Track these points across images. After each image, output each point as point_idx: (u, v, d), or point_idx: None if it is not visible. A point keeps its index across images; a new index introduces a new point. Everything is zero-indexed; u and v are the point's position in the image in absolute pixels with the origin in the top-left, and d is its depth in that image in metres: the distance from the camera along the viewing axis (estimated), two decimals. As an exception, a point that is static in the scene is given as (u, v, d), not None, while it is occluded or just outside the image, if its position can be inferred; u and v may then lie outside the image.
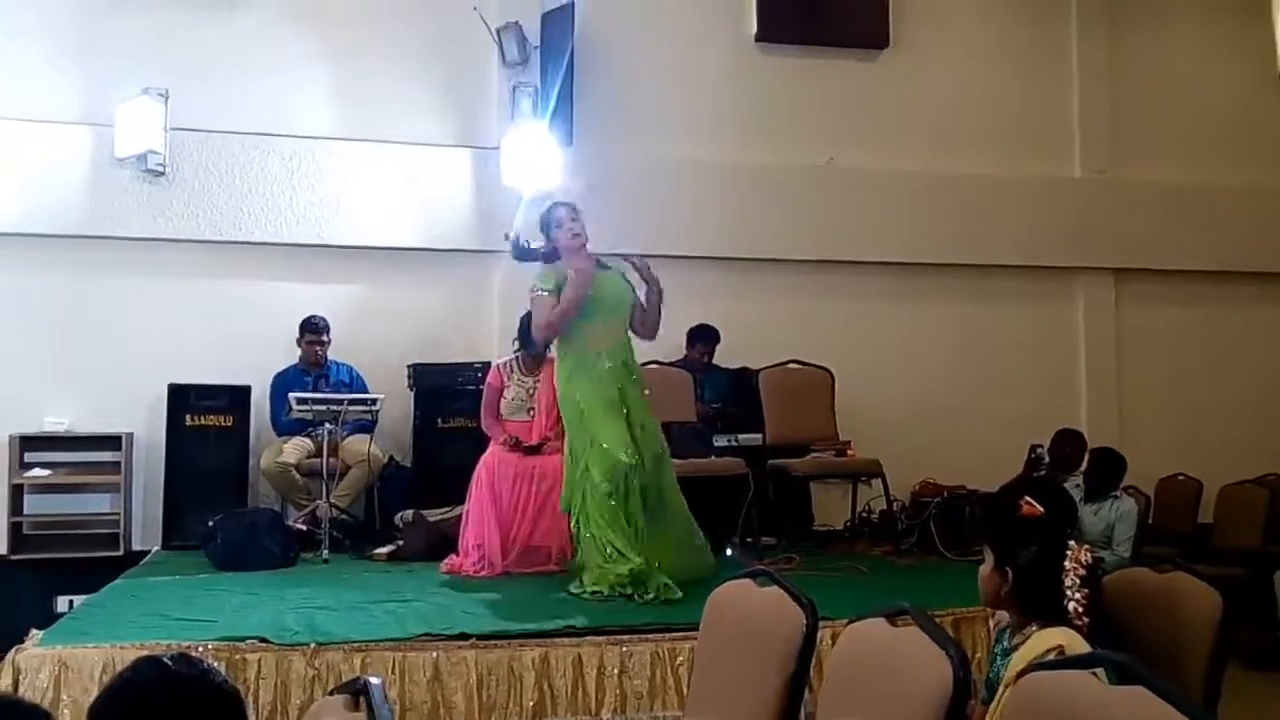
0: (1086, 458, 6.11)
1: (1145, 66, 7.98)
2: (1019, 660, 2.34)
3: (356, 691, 1.64)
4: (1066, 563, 2.40)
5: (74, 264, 6.45)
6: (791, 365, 6.61)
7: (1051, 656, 2.22)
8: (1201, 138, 7.97)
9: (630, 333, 4.90)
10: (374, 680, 1.58)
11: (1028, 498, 2.47)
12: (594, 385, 4.68)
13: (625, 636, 3.86)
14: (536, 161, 6.63)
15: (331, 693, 1.81)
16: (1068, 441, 6.24)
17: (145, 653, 1.65)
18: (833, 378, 6.59)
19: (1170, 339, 7.88)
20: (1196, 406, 7.73)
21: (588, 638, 3.84)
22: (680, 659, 3.76)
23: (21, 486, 6.22)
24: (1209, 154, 7.97)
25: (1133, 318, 7.90)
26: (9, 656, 3.54)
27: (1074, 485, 5.92)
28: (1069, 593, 2.38)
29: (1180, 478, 7.29)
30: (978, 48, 7.79)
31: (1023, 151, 7.79)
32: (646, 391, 4.87)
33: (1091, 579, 2.42)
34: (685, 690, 3.62)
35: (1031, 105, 7.83)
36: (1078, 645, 2.29)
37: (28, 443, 6.24)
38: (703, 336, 6.78)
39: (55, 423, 6.31)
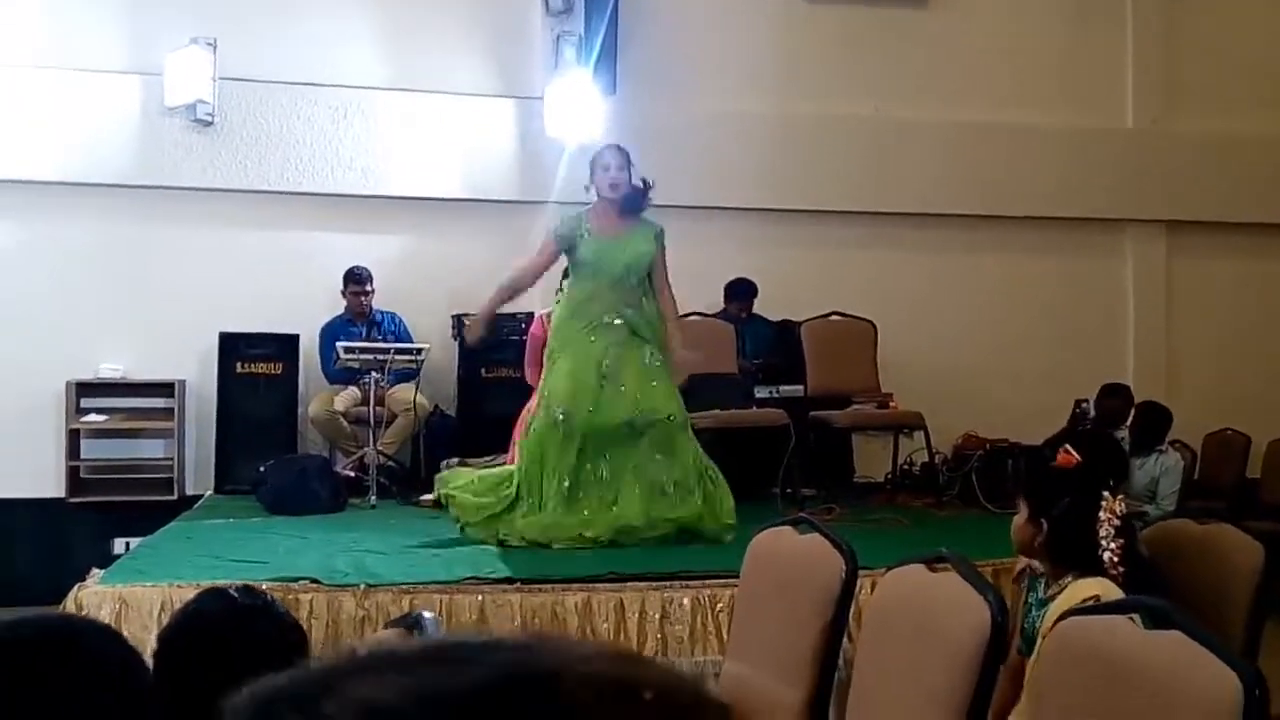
0: (1133, 413, 6.06)
1: (1201, 12, 7.78)
2: (1056, 610, 2.35)
3: (410, 625, 1.69)
4: (1101, 513, 2.41)
5: (125, 213, 6.55)
6: (834, 317, 6.59)
7: (1089, 606, 2.23)
8: (1258, 87, 7.77)
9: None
10: (427, 614, 1.63)
11: (1066, 446, 2.47)
12: (578, 335, 4.63)
13: (667, 582, 3.91)
14: (580, 111, 6.63)
15: (386, 626, 1.87)
16: (1113, 395, 6.19)
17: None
18: (875, 330, 6.58)
19: (1221, 293, 7.76)
20: (1246, 361, 7.63)
21: (630, 583, 3.90)
22: (720, 605, 3.80)
23: (78, 431, 6.39)
24: (1266, 104, 7.78)
25: (1183, 271, 7.77)
26: (72, 593, 3.66)
27: (1120, 439, 5.88)
28: (1104, 543, 2.39)
29: (1228, 432, 7.22)
30: (1029, -6, 7.63)
31: (1073, 101, 7.65)
32: (659, 360, 4.70)
33: (1126, 529, 2.43)
34: (726, 636, 3.68)
35: (1082, 53, 7.67)
36: (1114, 595, 2.30)
37: (84, 389, 6.39)
38: (738, 293, 6.75)
39: (110, 369, 6.45)
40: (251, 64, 6.53)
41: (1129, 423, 6.02)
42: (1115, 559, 2.38)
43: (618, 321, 4.64)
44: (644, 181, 4.71)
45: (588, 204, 4.80)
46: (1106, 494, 2.43)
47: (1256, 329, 7.73)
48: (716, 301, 6.78)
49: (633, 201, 4.68)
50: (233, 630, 1.55)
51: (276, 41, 6.66)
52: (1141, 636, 1.74)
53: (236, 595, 1.60)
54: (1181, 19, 7.75)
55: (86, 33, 6.48)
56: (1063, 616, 2.04)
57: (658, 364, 4.69)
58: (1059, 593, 2.43)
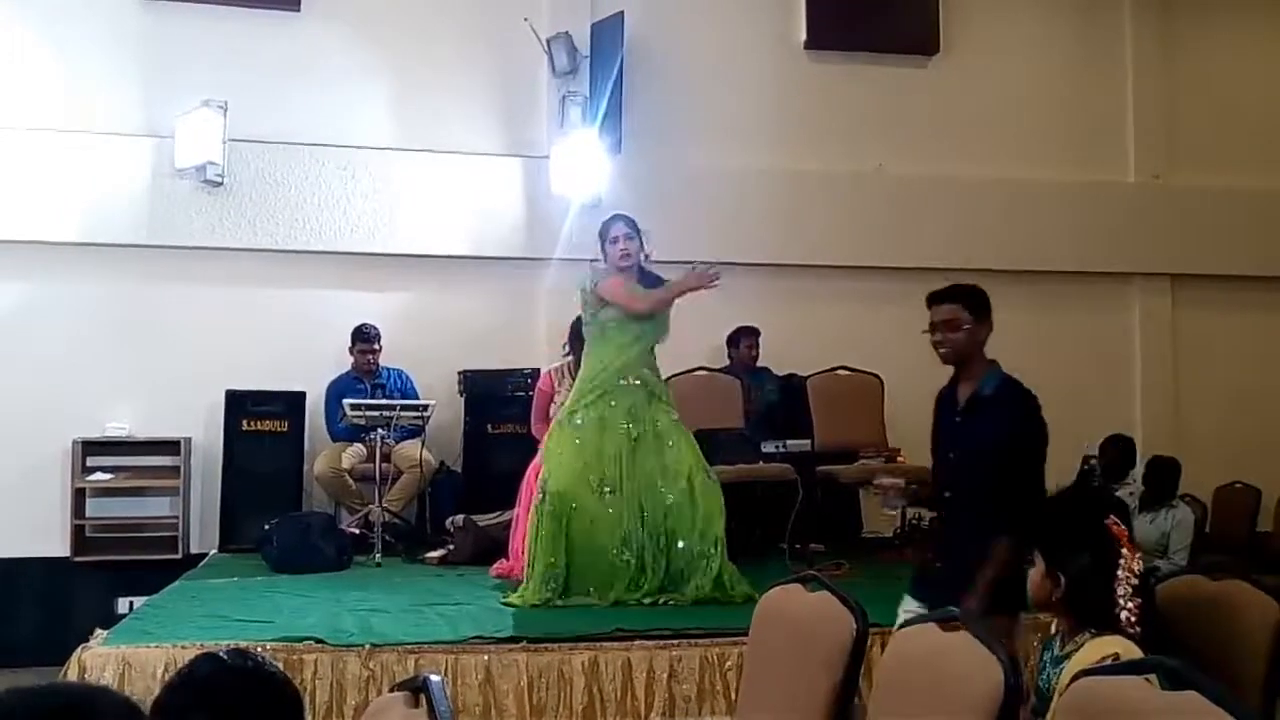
0: (1143, 467, 6.04)
1: (1201, 69, 7.87)
2: (1073, 668, 2.32)
3: (416, 689, 1.67)
4: (1120, 571, 2.38)
5: (135, 273, 6.59)
6: (840, 371, 6.59)
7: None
8: (1259, 141, 7.84)
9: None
10: (434, 677, 1.61)
11: (1114, 518, 2.45)
12: (598, 401, 4.71)
13: (674, 641, 3.88)
14: (586, 170, 6.69)
15: (392, 689, 1.85)
16: (1115, 445, 6.18)
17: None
18: (882, 384, 6.57)
19: (1228, 345, 7.76)
20: (1254, 414, 7.60)
21: (637, 642, 3.87)
22: (729, 663, 3.77)
23: (84, 490, 6.37)
24: (1267, 157, 7.84)
25: (1190, 324, 7.78)
26: (75, 654, 3.63)
27: (1128, 494, 5.85)
28: (1121, 601, 2.36)
29: (1238, 486, 7.17)
30: (1029, 52, 7.73)
31: (1076, 156, 7.71)
32: (675, 417, 4.84)
33: (1144, 588, 2.40)
34: (734, 695, 3.63)
35: (1084, 109, 7.75)
36: (1133, 654, 2.27)
37: (90, 447, 6.38)
38: (745, 331, 6.79)
39: (116, 428, 6.45)
40: (261, 125, 6.61)
41: (1130, 474, 6.01)
42: (1133, 618, 2.34)
43: (636, 383, 4.74)
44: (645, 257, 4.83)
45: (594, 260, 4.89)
46: (1125, 552, 2.41)
47: (1264, 382, 7.71)
48: (714, 355, 6.80)
49: (650, 282, 4.81)
50: (223, 694, 1.52)
51: (286, 103, 6.75)
52: (1158, 697, 1.71)
53: (227, 658, 1.58)
54: (1181, 75, 7.83)
55: (98, 96, 6.57)
56: (1079, 675, 2.01)
57: (674, 419, 4.78)
58: (1075, 650, 2.39)
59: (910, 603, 3.26)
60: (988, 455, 3.35)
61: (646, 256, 4.84)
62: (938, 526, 3.60)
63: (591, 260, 5.03)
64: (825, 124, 7.40)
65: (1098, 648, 2.32)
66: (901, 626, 2.60)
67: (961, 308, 3.59)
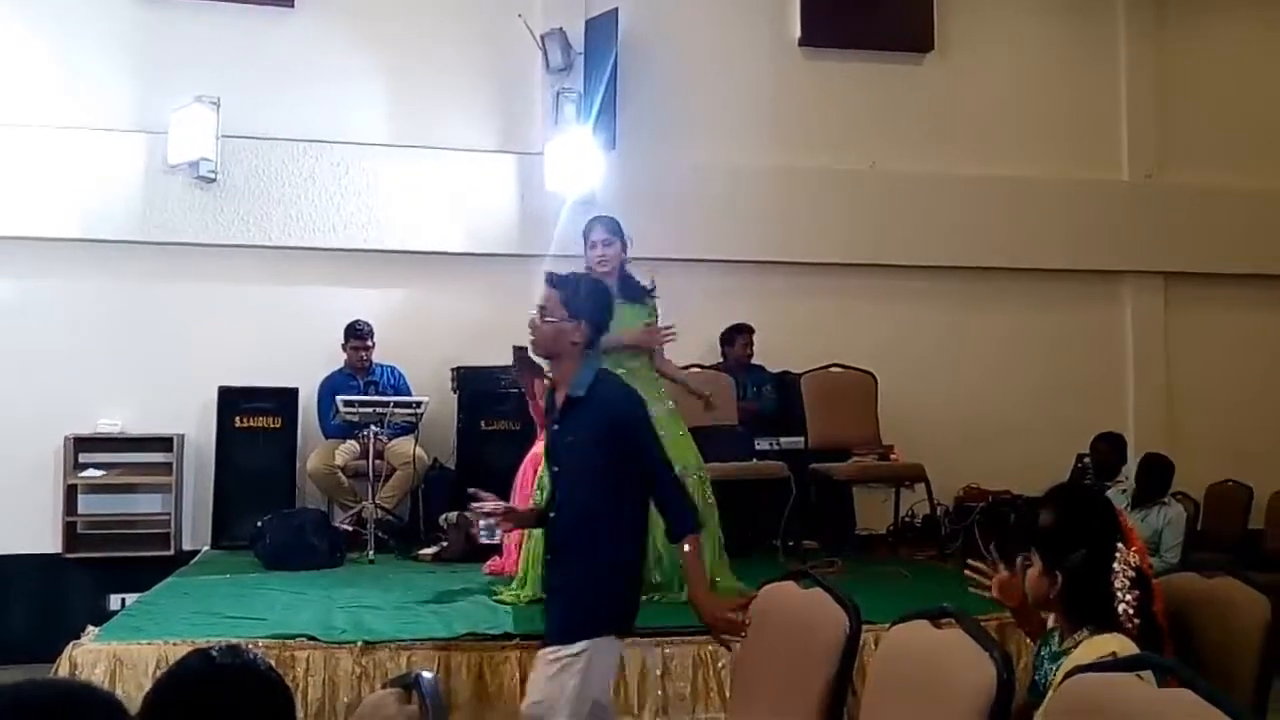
0: (1135, 464, 6.05)
1: (1194, 68, 7.89)
2: (1070, 665, 2.32)
3: (409, 685, 1.67)
4: (1115, 565, 2.39)
5: (127, 269, 6.57)
6: (834, 369, 6.60)
7: (1106, 662, 2.20)
8: (1252, 139, 7.86)
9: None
10: (426, 674, 1.61)
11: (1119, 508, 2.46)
12: None
13: (668, 638, 3.87)
14: (580, 166, 6.68)
15: (384, 685, 1.84)
16: (1104, 442, 6.20)
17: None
18: (876, 381, 6.58)
19: (1220, 343, 7.78)
20: (1247, 412, 7.62)
21: (631, 639, 3.85)
22: (723, 661, 3.76)
23: (76, 487, 6.35)
24: (1260, 156, 7.86)
25: (1182, 322, 7.80)
26: (67, 651, 3.62)
27: (1120, 491, 5.86)
28: (1119, 594, 2.36)
29: (1230, 484, 7.19)
30: (1023, 50, 7.74)
31: (1069, 154, 7.72)
32: (671, 404, 4.75)
33: (1141, 581, 2.40)
34: (728, 692, 3.63)
35: (1078, 108, 7.76)
36: (1131, 653, 2.27)
37: (82, 444, 6.37)
38: (740, 329, 6.78)
39: (109, 424, 6.43)
40: (254, 121, 6.59)
41: (1123, 471, 6.03)
42: (1131, 611, 2.35)
43: (634, 364, 4.62)
44: (649, 282, 4.73)
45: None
46: (1121, 545, 2.41)
47: (1255, 380, 7.74)
48: (710, 353, 6.80)
49: (629, 291, 4.67)
50: (213, 691, 1.52)
51: (279, 99, 6.73)
52: (1152, 694, 1.72)
53: (217, 655, 1.57)
54: (1174, 74, 7.85)
55: (91, 91, 6.55)
56: (1074, 672, 2.01)
57: (671, 408, 4.69)
58: (1073, 647, 2.40)
59: None
60: (588, 464, 2.99)
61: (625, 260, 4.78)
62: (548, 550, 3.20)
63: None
64: (819, 121, 7.41)
65: (1096, 646, 2.32)
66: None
67: (558, 297, 3.08)
